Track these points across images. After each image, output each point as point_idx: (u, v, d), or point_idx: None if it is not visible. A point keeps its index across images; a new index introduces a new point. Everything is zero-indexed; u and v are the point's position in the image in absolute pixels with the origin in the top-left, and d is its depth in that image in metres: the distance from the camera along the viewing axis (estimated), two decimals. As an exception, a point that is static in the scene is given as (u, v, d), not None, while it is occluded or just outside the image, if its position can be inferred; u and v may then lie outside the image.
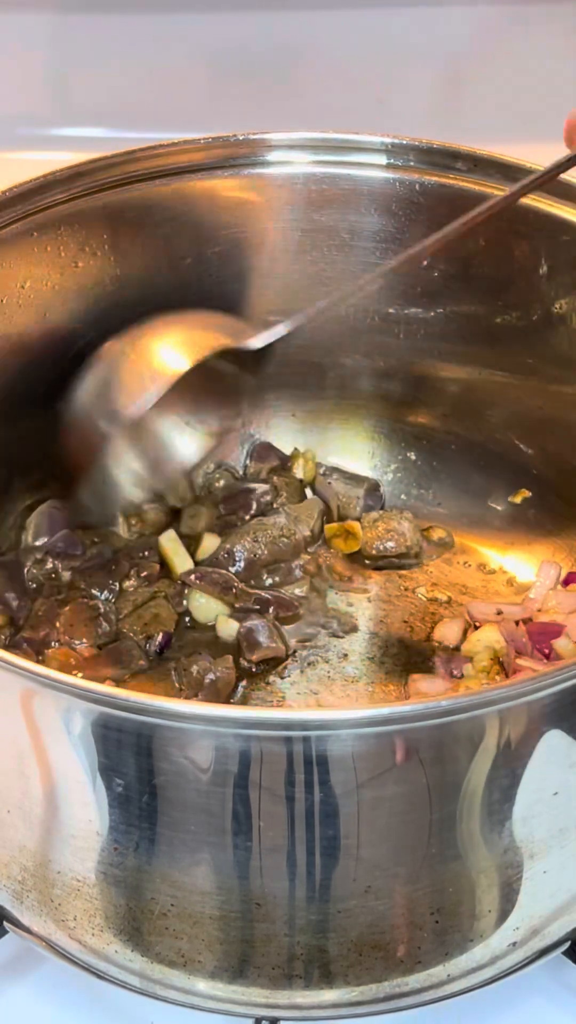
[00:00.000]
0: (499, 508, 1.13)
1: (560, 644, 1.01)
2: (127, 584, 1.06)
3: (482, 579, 1.10)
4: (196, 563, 1.08)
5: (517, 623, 1.03)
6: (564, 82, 1.44)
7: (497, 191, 1.03)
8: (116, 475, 1.02)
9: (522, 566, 1.10)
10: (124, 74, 1.47)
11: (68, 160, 1.02)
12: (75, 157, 1.03)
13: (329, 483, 1.15)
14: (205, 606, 1.05)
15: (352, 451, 1.18)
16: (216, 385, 1.02)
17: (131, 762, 0.72)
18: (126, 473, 1.02)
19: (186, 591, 1.05)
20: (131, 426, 0.97)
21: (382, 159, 1.06)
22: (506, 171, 1.03)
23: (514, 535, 1.12)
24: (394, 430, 1.16)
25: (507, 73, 1.45)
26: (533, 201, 1.01)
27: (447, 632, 1.04)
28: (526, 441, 1.11)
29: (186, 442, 1.04)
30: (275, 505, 1.12)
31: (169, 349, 0.98)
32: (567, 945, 0.82)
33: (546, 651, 1.01)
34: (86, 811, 0.74)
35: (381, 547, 1.10)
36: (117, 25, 1.46)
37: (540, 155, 0.99)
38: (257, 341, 0.99)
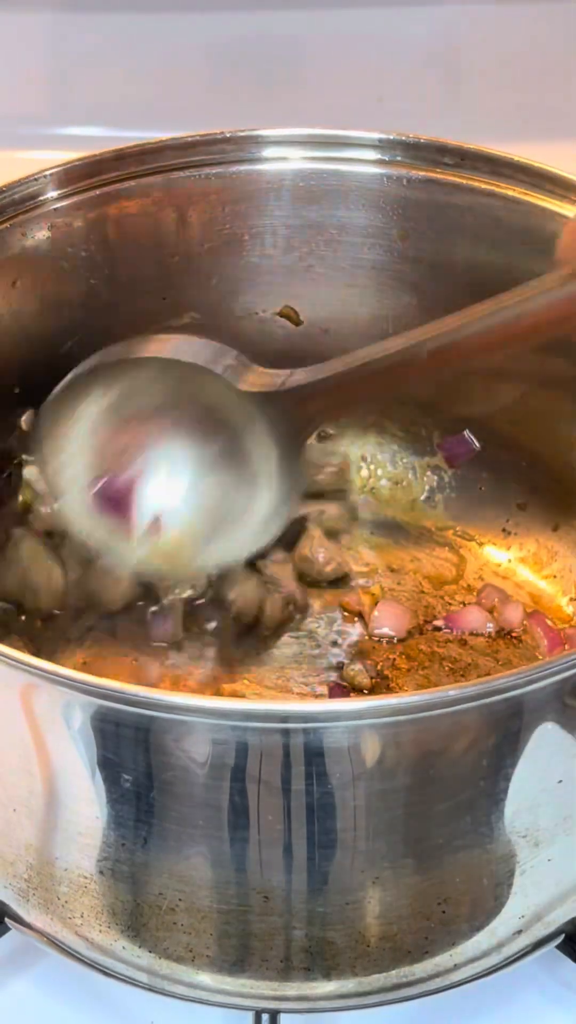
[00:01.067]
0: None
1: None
2: None
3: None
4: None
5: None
6: (564, 82, 1.44)
7: (485, 185, 1.03)
8: None
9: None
10: (124, 73, 1.47)
11: (68, 159, 1.03)
12: (75, 156, 1.03)
13: None
14: None
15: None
16: None
17: (134, 756, 0.72)
18: None
19: None
20: None
21: (370, 154, 1.06)
22: (494, 164, 1.03)
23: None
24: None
25: (507, 73, 1.45)
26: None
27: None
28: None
29: None
30: None
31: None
32: (562, 938, 0.82)
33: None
34: (91, 807, 0.74)
35: None
36: (117, 25, 1.46)
37: (539, 154, 1.00)
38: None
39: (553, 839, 0.76)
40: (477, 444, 1.12)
